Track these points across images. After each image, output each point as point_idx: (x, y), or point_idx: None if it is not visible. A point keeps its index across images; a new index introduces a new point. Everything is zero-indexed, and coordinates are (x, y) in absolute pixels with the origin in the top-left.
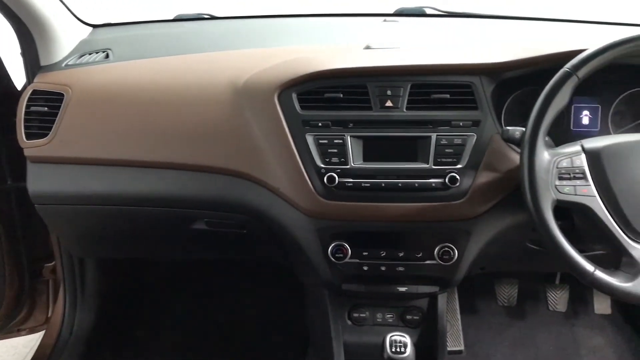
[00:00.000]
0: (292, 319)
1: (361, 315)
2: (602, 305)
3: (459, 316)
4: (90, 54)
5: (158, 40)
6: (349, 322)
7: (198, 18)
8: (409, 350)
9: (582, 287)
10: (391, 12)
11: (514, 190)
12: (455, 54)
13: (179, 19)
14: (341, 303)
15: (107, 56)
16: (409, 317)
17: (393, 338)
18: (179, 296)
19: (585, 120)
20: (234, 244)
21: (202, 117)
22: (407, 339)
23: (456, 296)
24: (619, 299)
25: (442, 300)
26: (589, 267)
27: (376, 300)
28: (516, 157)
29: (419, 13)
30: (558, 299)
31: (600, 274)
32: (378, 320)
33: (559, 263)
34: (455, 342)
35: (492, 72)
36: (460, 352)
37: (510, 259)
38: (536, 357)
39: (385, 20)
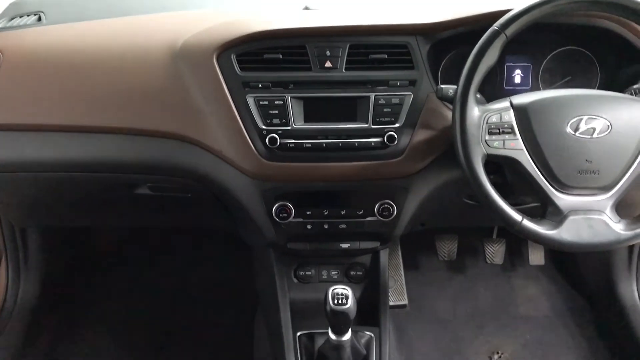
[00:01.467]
0: (240, 281)
1: (307, 273)
2: (536, 257)
3: (402, 272)
4: (21, 17)
5: (92, 3)
6: (295, 280)
7: None
8: (350, 301)
9: (517, 241)
10: None
11: (449, 148)
12: (391, 14)
13: None
14: (287, 262)
15: (39, 19)
16: (352, 273)
17: (335, 291)
18: (125, 264)
19: (517, 79)
20: (180, 209)
21: (141, 81)
22: (349, 292)
23: (399, 253)
24: (545, 245)
25: (383, 255)
26: (516, 216)
27: (321, 258)
28: (450, 115)
29: None
30: (495, 252)
31: (527, 223)
32: (323, 277)
33: (494, 217)
34: (399, 297)
35: (427, 32)
36: (404, 306)
37: (448, 215)
38: (476, 307)
39: None
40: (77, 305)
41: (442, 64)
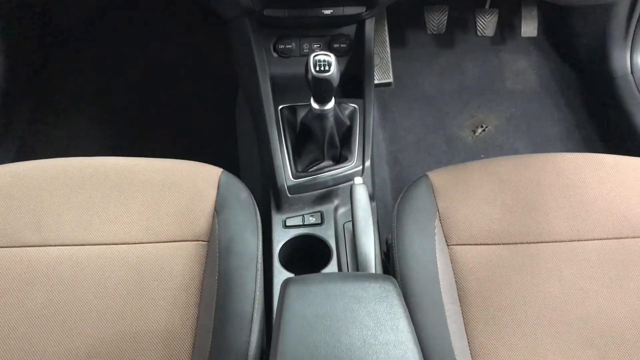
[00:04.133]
0: (219, 62)
1: (287, 46)
2: (529, 28)
3: (388, 49)
4: None
5: None
6: (275, 55)
7: None
8: (333, 68)
9: (510, 11)
10: None
11: None
12: None
13: None
14: (266, 35)
15: None
16: (336, 45)
17: (317, 58)
18: (96, 42)
19: None
20: None
21: None
22: (332, 58)
23: (386, 28)
24: None
25: (369, 25)
26: None
27: (302, 30)
28: None
29: None
30: (487, 24)
31: None
32: (305, 50)
33: None
34: (384, 74)
35: None
36: (389, 84)
37: None
38: (462, 82)
39: None
40: (50, 87)
41: None
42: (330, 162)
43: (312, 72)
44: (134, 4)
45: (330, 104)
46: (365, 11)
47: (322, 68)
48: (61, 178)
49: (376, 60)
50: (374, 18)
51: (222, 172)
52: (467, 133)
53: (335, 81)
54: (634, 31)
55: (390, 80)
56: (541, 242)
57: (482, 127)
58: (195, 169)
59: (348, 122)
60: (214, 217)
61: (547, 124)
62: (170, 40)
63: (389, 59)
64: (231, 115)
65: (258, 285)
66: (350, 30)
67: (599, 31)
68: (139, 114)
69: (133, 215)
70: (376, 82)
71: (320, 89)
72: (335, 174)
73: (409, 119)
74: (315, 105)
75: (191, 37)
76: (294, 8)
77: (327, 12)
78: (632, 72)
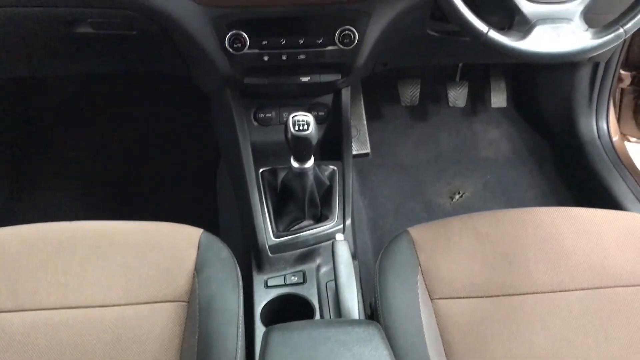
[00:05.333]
0: (201, 132)
1: (267, 115)
2: (498, 99)
3: (365, 121)
4: None
5: None
6: (255, 123)
7: None
8: (312, 127)
9: (480, 83)
10: None
11: None
12: None
13: None
14: (246, 105)
15: None
16: (314, 113)
17: (296, 118)
18: (78, 117)
19: None
20: (125, 51)
21: None
22: (310, 117)
23: (362, 102)
24: (512, 56)
25: (345, 93)
26: (483, 27)
27: (281, 100)
28: None
29: None
30: (458, 95)
31: (493, 34)
32: (284, 119)
33: (460, 53)
34: (362, 145)
35: None
36: (367, 154)
37: (412, 52)
38: (438, 153)
39: None
40: (31, 162)
41: None
42: (311, 221)
43: (291, 131)
44: (113, 82)
45: (310, 162)
46: (341, 79)
47: (301, 127)
48: (39, 243)
49: (353, 132)
50: (349, 87)
51: (203, 232)
52: (445, 199)
53: (314, 139)
54: (597, 98)
55: (368, 150)
56: (523, 294)
57: (459, 193)
58: (176, 230)
59: (328, 182)
60: (194, 276)
61: (522, 189)
62: (151, 114)
63: (366, 131)
64: (212, 183)
65: (239, 342)
66: (327, 99)
67: (565, 99)
68: (121, 187)
69: (112, 278)
70: (354, 152)
71: (300, 147)
72: (316, 233)
73: (388, 187)
74: (295, 164)
75: (172, 111)
76: (273, 76)
77: (305, 79)
78: (599, 137)
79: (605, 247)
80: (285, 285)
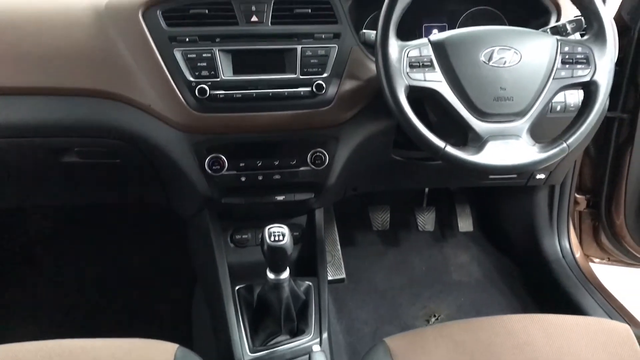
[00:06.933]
0: (176, 261)
1: (243, 236)
2: (465, 224)
3: (339, 247)
4: None
5: None
6: (232, 245)
7: None
8: (287, 238)
9: (446, 209)
10: None
11: (375, 99)
12: None
13: None
14: (223, 227)
15: None
16: None
17: (271, 230)
18: (51, 249)
19: None
20: (109, 181)
21: (65, 40)
22: (285, 229)
23: (335, 228)
24: (469, 169)
25: (319, 214)
26: (440, 143)
27: (257, 221)
28: (374, 67)
29: None
30: (426, 220)
31: (450, 149)
32: (260, 240)
33: (424, 178)
34: (337, 271)
35: None
36: (342, 280)
37: (379, 177)
38: (411, 277)
39: None
40: (4, 299)
41: (367, 20)
42: (287, 336)
43: (267, 242)
44: (89, 216)
45: (286, 274)
46: (314, 197)
47: (277, 238)
48: None
49: (328, 258)
50: (322, 208)
51: (178, 347)
52: (421, 322)
53: (289, 250)
54: (557, 219)
55: (343, 276)
56: None
57: (434, 316)
58: (150, 345)
59: (304, 297)
60: None
61: (495, 310)
62: (128, 244)
63: (341, 256)
64: (188, 299)
65: None
66: (302, 220)
67: (527, 222)
68: (97, 319)
69: None
70: (330, 278)
71: (276, 257)
72: (293, 347)
73: (364, 311)
74: (271, 276)
75: (148, 240)
76: (250, 196)
77: (280, 198)
78: (563, 257)
79: (576, 352)
80: None
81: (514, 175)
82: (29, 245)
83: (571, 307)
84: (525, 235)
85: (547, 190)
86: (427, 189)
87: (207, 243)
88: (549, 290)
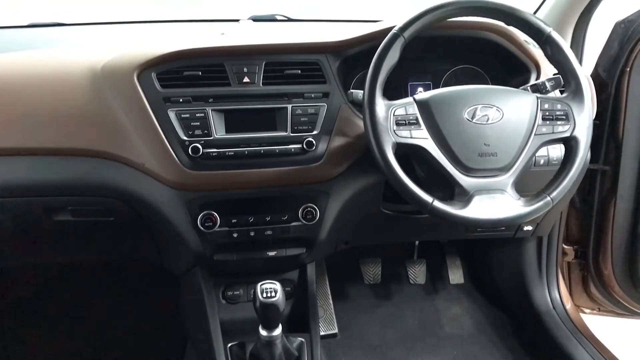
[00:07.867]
0: (167, 320)
1: (235, 292)
2: (455, 276)
3: (331, 301)
4: None
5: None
6: (224, 302)
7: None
8: (279, 294)
9: (437, 261)
10: (245, 18)
11: (364, 155)
12: (305, 35)
13: (32, 25)
14: (215, 284)
15: None
16: None
17: (264, 286)
18: (42, 307)
19: None
20: (101, 239)
21: (62, 102)
22: (277, 285)
23: (327, 282)
24: (456, 223)
25: (310, 269)
26: (428, 198)
27: (249, 277)
28: (362, 124)
29: (270, 19)
30: (417, 273)
31: (437, 204)
32: (252, 296)
33: (414, 231)
34: (329, 326)
35: (335, 50)
36: (335, 335)
37: (370, 230)
38: (404, 330)
39: (239, 22)
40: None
41: (355, 79)
42: None
43: (259, 299)
44: (80, 274)
45: (278, 330)
46: (305, 252)
47: (269, 294)
48: None
49: (320, 312)
50: (314, 263)
51: None
52: None
53: (282, 306)
54: (546, 270)
55: (336, 331)
56: None
57: None
58: None
59: (296, 354)
60: None
61: None
62: (118, 303)
63: (333, 311)
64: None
65: None
66: (293, 275)
67: (516, 273)
68: None
69: None
70: (322, 333)
71: (268, 314)
72: None
73: None
74: (263, 332)
75: (139, 300)
76: (242, 252)
77: (272, 253)
78: (553, 307)
79: None
80: None
81: (502, 228)
82: (17, 303)
83: (563, 359)
84: (515, 286)
85: (535, 241)
86: (417, 242)
87: (198, 299)
88: (541, 342)
